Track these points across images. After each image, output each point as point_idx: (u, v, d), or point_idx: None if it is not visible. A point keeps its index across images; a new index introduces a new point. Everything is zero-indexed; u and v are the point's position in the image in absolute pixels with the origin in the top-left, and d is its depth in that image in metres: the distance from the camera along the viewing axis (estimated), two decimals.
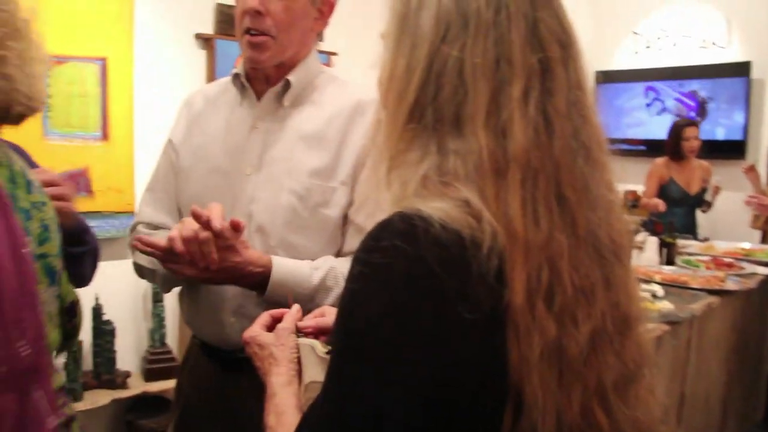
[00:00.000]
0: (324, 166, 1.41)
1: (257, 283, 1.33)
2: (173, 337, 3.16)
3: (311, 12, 1.45)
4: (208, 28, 3.25)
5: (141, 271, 1.53)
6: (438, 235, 0.66)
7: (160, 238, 1.31)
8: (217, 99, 1.56)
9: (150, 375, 2.93)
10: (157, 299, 2.98)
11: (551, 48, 0.73)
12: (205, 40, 3.23)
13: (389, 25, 0.78)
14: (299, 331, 0.96)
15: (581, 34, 0.78)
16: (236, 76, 1.51)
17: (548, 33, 0.73)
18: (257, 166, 1.44)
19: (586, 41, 0.77)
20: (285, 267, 1.35)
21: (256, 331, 0.98)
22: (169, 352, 3.01)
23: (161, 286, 1.53)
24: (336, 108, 1.45)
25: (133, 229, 1.58)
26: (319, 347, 0.90)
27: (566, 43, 0.75)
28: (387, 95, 0.77)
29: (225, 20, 3.24)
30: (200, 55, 3.24)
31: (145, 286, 3.02)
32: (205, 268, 1.27)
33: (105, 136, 2.88)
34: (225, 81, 1.57)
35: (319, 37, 1.52)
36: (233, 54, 3.25)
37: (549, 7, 0.75)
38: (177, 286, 1.54)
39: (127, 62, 2.92)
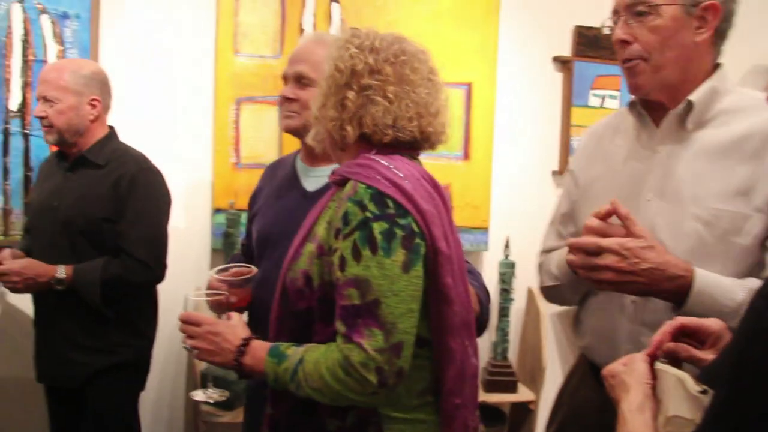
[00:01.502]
0: (735, 191, 1.31)
1: (675, 291, 1.27)
2: (514, 352, 3.24)
3: (688, 24, 1.35)
4: (566, 50, 3.27)
5: (548, 292, 1.64)
6: None
7: (584, 238, 1.32)
8: (617, 128, 1.56)
9: (489, 386, 3.03)
10: (503, 314, 3.09)
11: None
12: (562, 63, 3.27)
13: None
14: (655, 355, 0.91)
15: None
16: (632, 104, 1.49)
17: None
18: (659, 191, 1.39)
19: None
20: (709, 276, 1.27)
21: (611, 365, 0.96)
22: (509, 366, 3.09)
23: (569, 297, 1.59)
24: (749, 129, 1.33)
25: (542, 255, 1.68)
26: (690, 383, 0.84)
27: None
28: None
29: (584, 42, 3.24)
30: (557, 78, 3.28)
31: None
32: (627, 270, 1.25)
33: (466, 155, 3.09)
34: (623, 110, 1.55)
35: (717, 48, 1.41)
36: (591, 75, 3.23)
37: None
38: (577, 296, 1.57)
39: (490, 86, 3.10)
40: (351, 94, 1.28)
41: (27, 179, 2.64)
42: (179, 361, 2.92)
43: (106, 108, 2.26)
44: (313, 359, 1.22)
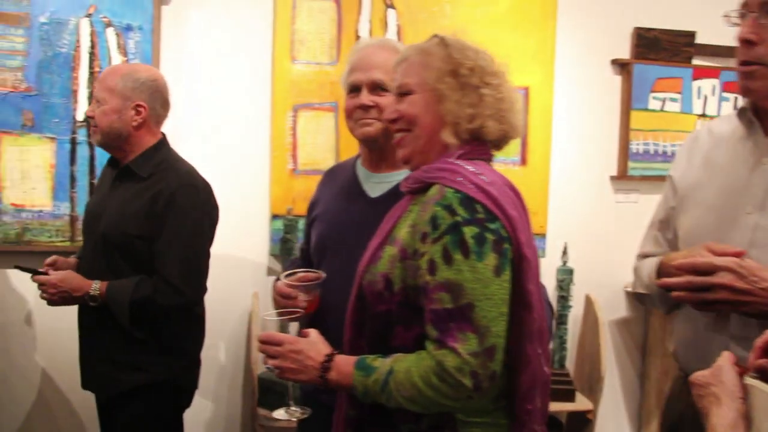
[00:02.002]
0: None
1: None
2: (571, 360, 3.19)
3: None
4: (625, 53, 3.21)
5: (639, 298, 1.63)
6: None
7: (696, 258, 1.31)
8: (721, 134, 1.50)
9: None
10: (561, 321, 3.04)
11: None
12: (621, 65, 3.20)
13: None
14: (744, 370, 0.88)
15: None
16: (742, 111, 1.43)
17: None
18: (760, 205, 1.34)
19: None
20: None
21: (699, 372, 0.94)
22: (567, 374, 3.04)
23: (659, 306, 1.56)
24: None
25: (638, 260, 1.65)
26: None
27: None
28: None
29: (643, 44, 3.17)
30: (615, 81, 3.22)
31: None
32: (744, 290, 1.23)
33: (523, 160, 3.06)
34: (731, 115, 1.50)
35: None
36: (651, 78, 3.16)
37: None
38: (666, 307, 1.55)
39: (548, 90, 3.06)
40: (487, 91, 1.32)
41: (92, 187, 2.72)
42: (236, 371, 2.97)
43: (155, 116, 2.14)
44: (404, 368, 1.22)
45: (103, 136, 2.10)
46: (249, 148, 2.87)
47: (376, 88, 1.64)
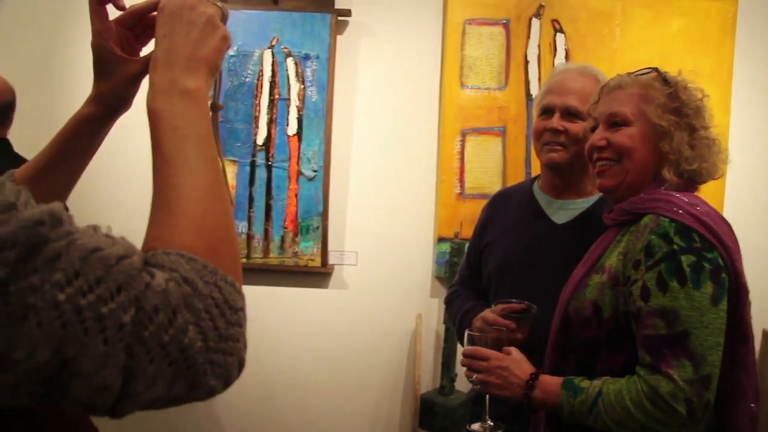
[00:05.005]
0: None
1: None
2: None
3: None
4: None
5: None
6: None
7: None
8: None
9: None
10: None
11: None
12: None
13: None
14: None
15: None
16: None
17: None
18: None
19: None
20: None
21: None
22: None
23: None
24: None
25: None
26: None
27: None
28: None
29: None
30: None
31: None
32: None
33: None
34: None
35: None
36: None
37: None
38: None
39: (724, 112, 2.90)
40: (703, 134, 1.33)
41: (268, 207, 2.87)
42: (395, 389, 3.01)
43: None
44: (614, 391, 1.23)
45: None
46: (416, 172, 2.93)
47: (569, 114, 1.62)
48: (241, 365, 0.60)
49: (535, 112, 1.73)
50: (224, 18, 0.78)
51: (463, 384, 2.76)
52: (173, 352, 0.54)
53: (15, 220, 0.49)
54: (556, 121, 1.63)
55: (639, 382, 1.21)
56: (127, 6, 0.85)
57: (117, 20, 0.86)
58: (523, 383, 1.34)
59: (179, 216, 0.62)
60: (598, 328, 1.30)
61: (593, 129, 1.43)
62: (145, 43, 0.89)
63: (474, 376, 1.39)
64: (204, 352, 0.55)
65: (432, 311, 2.95)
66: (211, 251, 0.61)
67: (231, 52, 2.83)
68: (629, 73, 1.41)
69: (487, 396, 1.43)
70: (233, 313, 0.59)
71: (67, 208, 0.69)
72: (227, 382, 0.59)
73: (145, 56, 0.82)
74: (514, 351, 1.40)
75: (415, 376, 2.82)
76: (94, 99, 0.85)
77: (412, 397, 2.87)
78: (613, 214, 1.37)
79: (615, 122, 1.37)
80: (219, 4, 0.78)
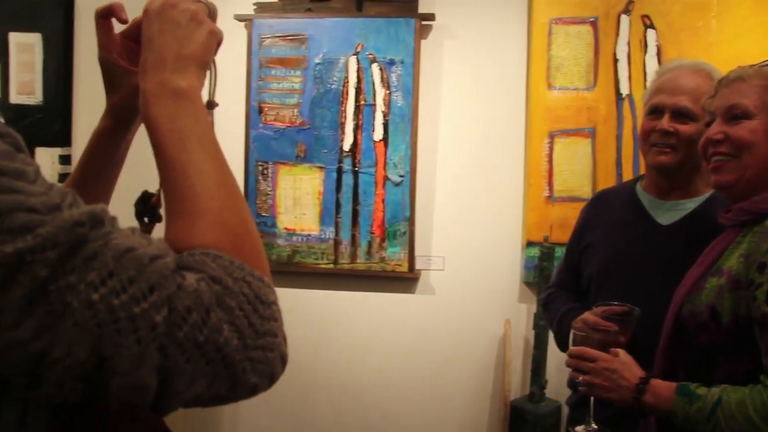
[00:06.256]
0: None
1: None
2: None
3: None
4: None
5: None
6: None
7: None
8: None
9: None
10: None
11: None
12: None
13: None
14: None
15: None
16: None
17: None
18: None
19: None
20: None
21: None
22: None
23: None
24: None
25: None
26: None
27: None
28: None
29: None
30: None
31: None
32: None
33: None
34: None
35: None
36: None
37: None
38: None
39: None
40: None
41: (355, 213, 2.90)
42: (483, 395, 2.98)
43: None
44: (736, 400, 1.17)
45: None
46: (503, 175, 2.90)
47: (680, 114, 1.54)
48: (284, 360, 0.59)
49: (642, 111, 1.67)
50: (212, 14, 0.77)
51: (552, 391, 2.71)
52: (210, 351, 0.53)
53: (57, 221, 0.50)
54: (666, 123, 1.55)
55: (764, 392, 1.14)
56: (130, 18, 0.86)
57: (123, 33, 0.86)
58: (632, 387, 1.29)
59: (195, 216, 0.61)
60: (716, 333, 1.24)
61: (708, 124, 1.37)
62: None
63: (580, 377, 1.36)
64: (241, 349, 0.55)
65: (521, 317, 2.90)
66: (234, 247, 0.60)
67: (317, 60, 2.88)
68: (751, 65, 1.34)
69: (592, 398, 1.39)
70: (266, 308, 0.58)
71: None
72: (272, 378, 0.58)
73: None
74: (622, 353, 1.35)
75: (505, 383, 2.79)
76: (107, 113, 0.86)
77: (501, 404, 2.84)
78: (732, 214, 1.31)
79: (735, 115, 1.30)
80: (203, 0, 0.77)
